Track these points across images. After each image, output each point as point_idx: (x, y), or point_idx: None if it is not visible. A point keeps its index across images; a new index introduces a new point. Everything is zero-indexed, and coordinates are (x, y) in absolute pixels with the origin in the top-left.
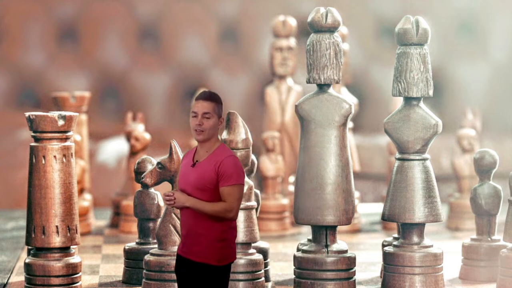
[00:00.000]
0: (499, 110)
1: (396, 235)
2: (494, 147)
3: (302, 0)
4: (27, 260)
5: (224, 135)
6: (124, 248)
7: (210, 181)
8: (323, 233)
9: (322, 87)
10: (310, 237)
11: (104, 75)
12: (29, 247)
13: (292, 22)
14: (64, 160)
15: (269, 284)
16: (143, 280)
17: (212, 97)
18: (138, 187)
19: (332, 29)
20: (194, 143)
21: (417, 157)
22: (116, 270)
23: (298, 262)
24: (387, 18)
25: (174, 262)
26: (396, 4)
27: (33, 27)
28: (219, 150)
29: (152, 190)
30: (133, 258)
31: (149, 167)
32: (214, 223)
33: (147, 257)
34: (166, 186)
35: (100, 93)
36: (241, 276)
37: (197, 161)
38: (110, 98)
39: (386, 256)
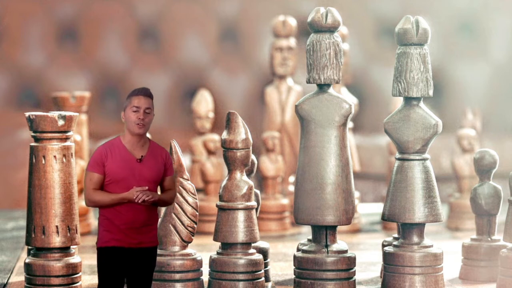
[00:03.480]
0: (499, 110)
1: (396, 235)
2: (494, 147)
3: (302, 0)
4: (27, 260)
5: (224, 135)
6: None
7: (161, 172)
8: (323, 233)
9: (322, 87)
10: (310, 237)
11: (104, 75)
12: (29, 247)
13: (292, 22)
14: (64, 160)
15: (269, 284)
16: None
17: (151, 94)
18: None
19: (332, 29)
20: (194, 143)
21: (417, 157)
22: None
23: (298, 262)
24: (387, 18)
25: (174, 262)
26: (396, 4)
27: (33, 27)
28: (154, 143)
29: None
30: None
31: None
32: (155, 210)
33: None
34: None
35: (100, 93)
36: (241, 276)
37: (142, 156)
38: (110, 98)
39: (386, 256)
